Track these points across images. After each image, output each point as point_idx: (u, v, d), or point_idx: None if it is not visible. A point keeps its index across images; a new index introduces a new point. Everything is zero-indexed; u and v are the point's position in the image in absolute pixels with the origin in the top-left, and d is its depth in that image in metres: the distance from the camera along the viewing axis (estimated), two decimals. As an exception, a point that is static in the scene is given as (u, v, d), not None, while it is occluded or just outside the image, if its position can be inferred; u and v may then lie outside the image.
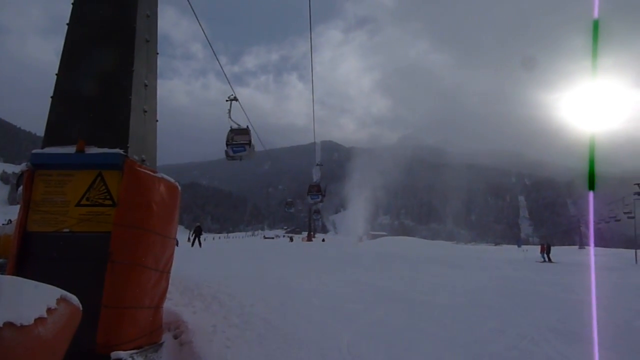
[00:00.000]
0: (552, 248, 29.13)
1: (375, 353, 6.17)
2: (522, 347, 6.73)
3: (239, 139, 14.56)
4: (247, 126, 14.87)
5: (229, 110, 14.40)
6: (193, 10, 7.95)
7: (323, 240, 62.43)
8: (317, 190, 42.78)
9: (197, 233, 30.52)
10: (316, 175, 42.29)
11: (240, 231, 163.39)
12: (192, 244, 29.08)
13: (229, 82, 11.41)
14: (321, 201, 45.77)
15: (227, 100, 14.14)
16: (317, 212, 55.54)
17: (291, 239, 65.27)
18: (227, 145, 14.52)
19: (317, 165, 41.91)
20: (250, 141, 14.59)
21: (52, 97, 5.05)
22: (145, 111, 5.39)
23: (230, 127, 14.51)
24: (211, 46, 9.11)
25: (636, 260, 27.94)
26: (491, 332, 7.70)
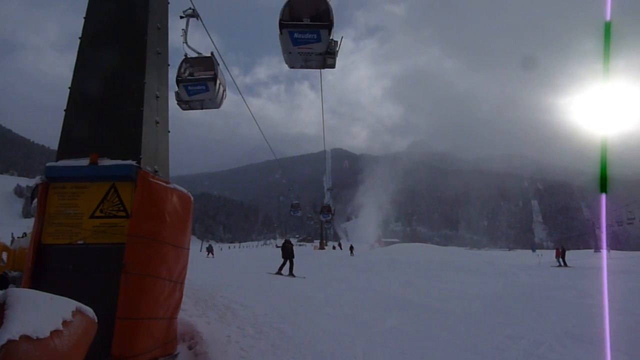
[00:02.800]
0: (567, 252, 28.71)
1: (390, 361, 6.11)
2: (540, 354, 6.63)
3: (197, 73, 9.03)
4: (212, 53, 9.09)
5: (185, 33, 8.96)
6: (203, 24, 8.01)
7: (334, 247, 61.25)
8: (327, 210, 50.66)
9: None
10: (327, 198, 49.40)
11: (252, 240, 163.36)
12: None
13: (240, 93, 11.44)
14: (331, 219, 55.49)
15: (181, 18, 8.95)
16: (328, 211, 54.60)
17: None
18: (177, 83, 8.71)
19: (328, 190, 50.77)
20: (215, 76, 8.77)
21: (65, 110, 5.12)
22: (157, 122, 5.44)
23: (185, 56, 9.03)
24: (222, 57, 9.13)
25: (654, 263, 27.41)
26: (508, 339, 7.60)
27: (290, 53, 7.49)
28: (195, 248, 67.87)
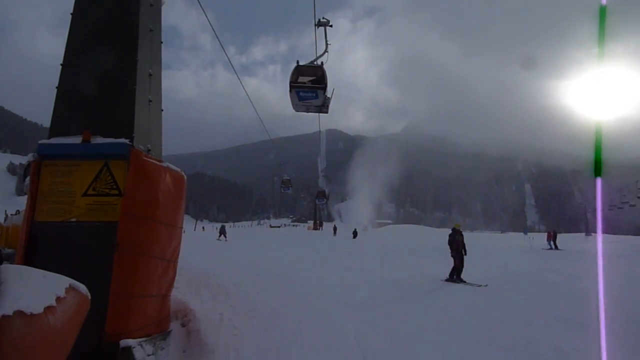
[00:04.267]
0: (558, 235, 29.02)
1: (381, 341, 6.20)
2: (529, 335, 6.73)
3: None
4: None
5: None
6: (200, 3, 7.87)
7: (335, 230, 52.03)
8: (322, 195, 54.11)
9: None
10: (321, 180, 51.61)
11: (246, 221, 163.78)
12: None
13: (236, 73, 11.33)
14: (326, 203, 60.42)
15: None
16: (323, 195, 55.74)
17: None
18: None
19: (324, 176, 51.18)
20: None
21: (57, 87, 5.05)
22: (150, 101, 5.39)
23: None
24: (218, 38, 9.02)
25: (644, 247, 27.77)
26: (497, 320, 7.71)
27: (297, 104, 10.73)
28: (189, 227, 68.07)
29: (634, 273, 13.71)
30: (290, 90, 10.34)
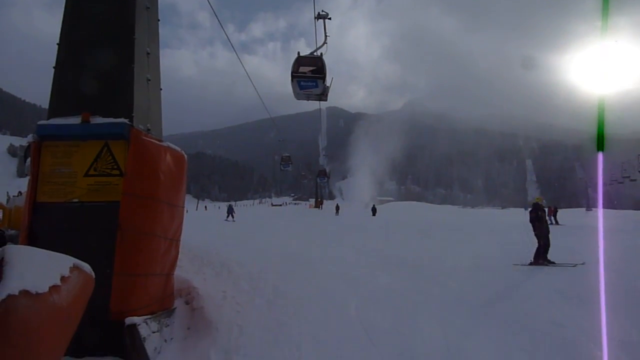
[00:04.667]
0: (559, 211, 29.10)
1: (382, 316, 6.29)
2: (527, 309, 6.82)
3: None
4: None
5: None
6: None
7: (337, 209, 46.85)
8: (324, 174, 56.03)
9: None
10: (323, 162, 52.17)
11: (247, 200, 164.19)
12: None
13: (235, 51, 11.15)
14: (327, 181, 61.87)
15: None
16: (324, 174, 56.38)
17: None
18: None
19: (325, 155, 50.12)
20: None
21: (54, 67, 5.03)
22: (149, 80, 5.36)
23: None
24: (216, 15, 8.91)
25: (644, 222, 27.86)
26: (497, 294, 7.81)
27: (298, 93, 11.40)
28: (191, 207, 68.32)
29: (630, 246, 13.81)
30: (292, 80, 10.92)
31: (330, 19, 11.61)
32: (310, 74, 10.97)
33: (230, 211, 31.67)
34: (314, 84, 11.10)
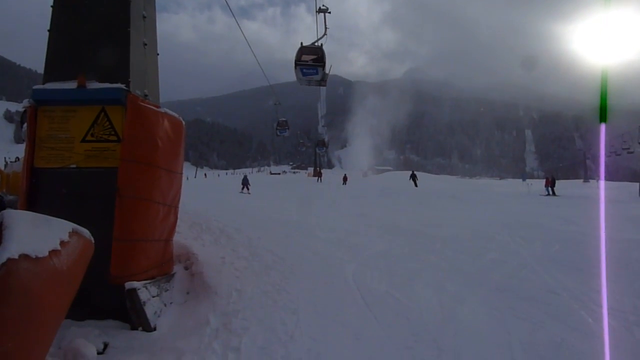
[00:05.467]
0: (556, 182, 29.22)
1: (378, 282, 6.40)
2: (522, 276, 6.94)
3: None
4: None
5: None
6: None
7: (345, 180, 43.64)
8: (322, 144, 57.13)
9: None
10: (322, 130, 51.20)
11: (246, 167, 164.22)
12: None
13: (234, 16, 10.88)
14: (325, 151, 63.81)
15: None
16: (323, 144, 56.60)
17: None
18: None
19: (323, 126, 50.23)
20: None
21: (49, 30, 4.93)
22: (146, 44, 5.27)
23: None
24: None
25: (640, 193, 28.04)
26: (492, 263, 7.92)
27: (300, 79, 13.05)
28: (190, 175, 68.38)
29: (625, 216, 13.93)
30: (295, 67, 12.60)
31: (330, 12, 13.05)
32: (311, 62, 12.58)
33: (245, 182, 28.86)
34: (315, 71, 12.70)
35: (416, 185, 32.59)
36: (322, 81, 13.59)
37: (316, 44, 12.72)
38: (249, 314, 4.83)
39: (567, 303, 5.61)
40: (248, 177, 30.04)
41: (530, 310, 5.30)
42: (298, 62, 12.62)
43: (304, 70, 12.79)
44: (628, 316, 5.08)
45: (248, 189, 27.95)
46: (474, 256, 8.37)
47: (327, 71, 13.03)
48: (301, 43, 12.76)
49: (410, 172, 38.19)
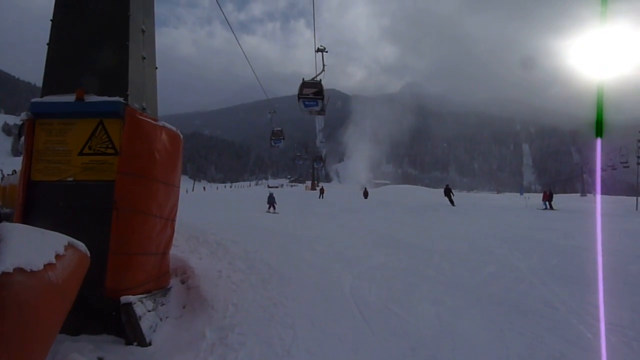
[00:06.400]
0: (554, 195, 29.23)
1: (376, 295, 6.36)
2: (520, 290, 6.91)
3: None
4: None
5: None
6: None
7: (366, 194, 41.20)
8: (320, 159, 58.60)
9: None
10: (320, 145, 52.53)
11: (244, 180, 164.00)
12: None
13: (232, 32, 10.98)
14: (323, 166, 65.67)
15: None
16: (320, 159, 57.49)
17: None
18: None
19: (321, 142, 50.92)
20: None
21: (48, 44, 4.96)
22: (144, 58, 5.30)
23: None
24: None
25: (637, 207, 28.08)
26: (490, 276, 7.89)
27: (302, 110, 15.12)
28: (188, 188, 68.27)
29: (622, 230, 13.92)
30: (298, 100, 14.59)
31: (327, 52, 14.56)
32: (312, 95, 14.49)
33: (271, 201, 24.61)
34: (315, 103, 14.67)
35: (453, 204, 27.13)
36: (322, 111, 15.63)
37: (315, 79, 14.53)
38: (245, 329, 4.79)
39: (565, 317, 5.59)
40: (274, 195, 25.58)
41: (528, 325, 5.28)
42: (300, 95, 14.41)
43: (306, 103, 14.61)
44: (626, 331, 5.06)
45: (274, 207, 24.19)
46: (472, 270, 8.35)
47: (325, 102, 14.93)
48: (303, 79, 14.62)
49: (445, 187, 30.54)
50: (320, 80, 14.68)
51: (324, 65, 14.69)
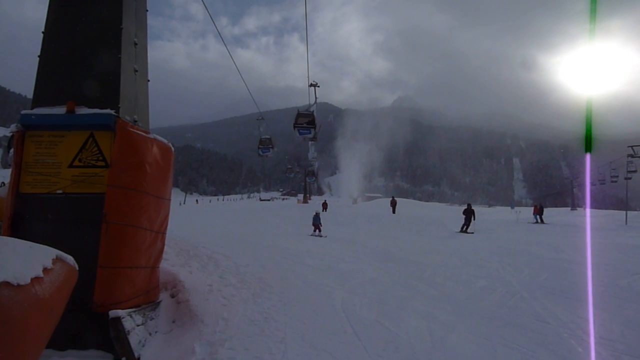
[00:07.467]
0: (544, 209, 29.42)
1: (368, 310, 6.33)
2: (511, 304, 6.92)
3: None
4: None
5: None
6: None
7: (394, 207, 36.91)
8: (312, 174, 60.19)
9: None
10: (312, 160, 54.20)
11: (236, 193, 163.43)
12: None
13: (225, 46, 11.09)
14: (315, 180, 68.45)
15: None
16: (312, 174, 57.97)
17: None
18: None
19: (314, 158, 52.43)
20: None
21: (39, 56, 4.95)
22: (136, 70, 5.30)
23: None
24: (207, 9, 8.82)
25: (626, 221, 28.33)
26: (481, 290, 7.90)
27: (297, 137, 18.40)
28: (179, 200, 67.91)
29: (612, 244, 14.02)
30: (294, 128, 17.93)
31: (319, 86, 17.96)
32: (305, 124, 17.88)
33: (316, 221, 18.37)
34: (308, 131, 18.07)
35: (465, 229, 21.39)
36: (314, 138, 19.20)
37: (309, 110, 17.83)
38: (235, 343, 4.73)
39: (556, 331, 5.59)
40: (320, 215, 19.13)
41: (519, 339, 5.27)
42: (296, 124, 17.79)
43: (300, 131, 17.99)
44: (616, 345, 5.08)
45: (320, 230, 18.16)
46: (464, 284, 8.36)
47: (317, 130, 18.27)
48: (298, 110, 18.46)
49: (466, 206, 23.81)
50: (313, 111, 17.98)
51: (316, 98, 17.81)
